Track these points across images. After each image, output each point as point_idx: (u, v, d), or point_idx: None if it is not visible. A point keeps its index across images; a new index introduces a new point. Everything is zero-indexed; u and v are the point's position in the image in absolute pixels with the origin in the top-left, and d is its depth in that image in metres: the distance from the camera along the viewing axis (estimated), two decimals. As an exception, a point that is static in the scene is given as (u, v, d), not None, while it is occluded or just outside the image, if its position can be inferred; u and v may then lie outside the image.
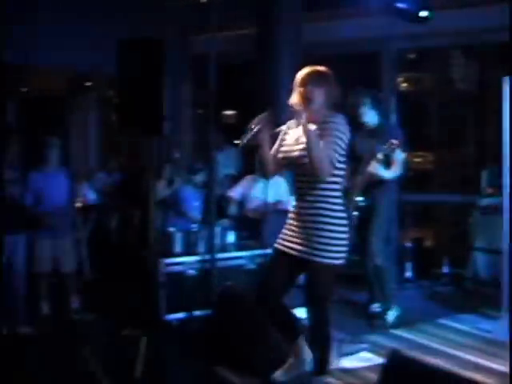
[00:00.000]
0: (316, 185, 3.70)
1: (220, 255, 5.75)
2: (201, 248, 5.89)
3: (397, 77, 7.84)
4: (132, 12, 8.02)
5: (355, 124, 5.44)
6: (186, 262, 5.71)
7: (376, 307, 5.74)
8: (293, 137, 3.86)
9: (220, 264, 5.69)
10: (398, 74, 8.00)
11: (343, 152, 3.71)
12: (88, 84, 10.20)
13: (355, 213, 5.50)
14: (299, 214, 3.80)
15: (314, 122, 3.73)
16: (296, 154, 3.75)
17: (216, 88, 5.55)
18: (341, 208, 3.77)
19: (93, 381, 4.33)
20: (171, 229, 6.11)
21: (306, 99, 3.73)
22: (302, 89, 3.77)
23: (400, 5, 6.76)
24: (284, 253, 3.87)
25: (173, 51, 5.05)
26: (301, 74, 3.82)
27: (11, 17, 4.94)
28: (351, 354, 4.68)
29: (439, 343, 5.01)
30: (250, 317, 4.41)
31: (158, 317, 5.26)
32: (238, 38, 8.54)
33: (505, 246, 5.11)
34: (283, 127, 3.97)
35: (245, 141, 3.76)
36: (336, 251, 3.72)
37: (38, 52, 7.33)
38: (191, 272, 5.69)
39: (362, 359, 4.63)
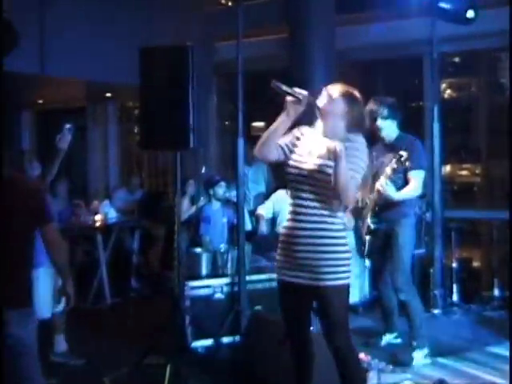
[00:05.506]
0: (319, 203, 3.56)
1: (249, 277, 5.64)
2: (229, 270, 5.82)
3: (440, 83, 7.63)
4: (154, 18, 8.04)
5: (373, 137, 5.33)
6: (213, 285, 5.62)
7: (392, 339, 5.52)
8: (305, 147, 3.68)
9: (250, 287, 5.59)
10: (442, 79, 7.83)
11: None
12: (108, 95, 10.27)
13: (367, 237, 5.29)
14: (297, 236, 3.61)
15: (330, 138, 3.57)
16: (310, 166, 3.57)
17: (244, 97, 5.45)
18: (342, 226, 3.65)
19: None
20: (197, 249, 6.06)
21: (323, 104, 3.61)
22: (325, 95, 3.65)
23: (444, 5, 6.54)
24: (290, 284, 3.69)
25: (197, 58, 4.95)
26: (331, 86, 3.69)
27: (24, 25, 5.01)
28: (393, 384, 4.62)
29: (488, 373, 4.86)
30: (280, 345, 4.16)
31: (184, 344, 5.20)
32: (267, 44, 8.53)
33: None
34: (297, 130, 3.74)
35: (282, 87, 3.51)
36: (343, 271, 3.60)
37: (54, 61, 7.31)
38: (219, 296, 5.59)
39: (405, 390, 4.62)
